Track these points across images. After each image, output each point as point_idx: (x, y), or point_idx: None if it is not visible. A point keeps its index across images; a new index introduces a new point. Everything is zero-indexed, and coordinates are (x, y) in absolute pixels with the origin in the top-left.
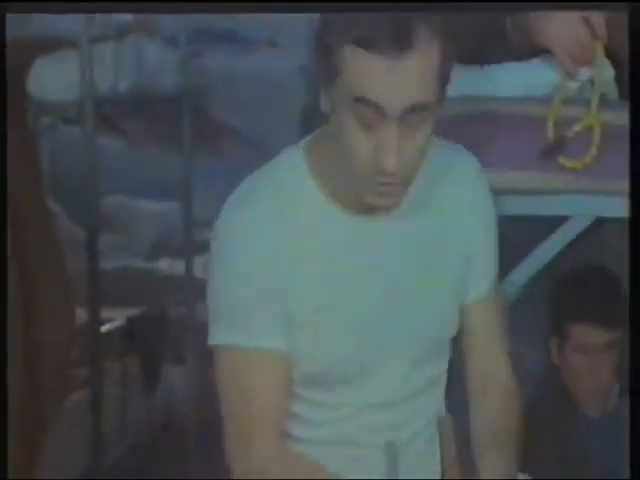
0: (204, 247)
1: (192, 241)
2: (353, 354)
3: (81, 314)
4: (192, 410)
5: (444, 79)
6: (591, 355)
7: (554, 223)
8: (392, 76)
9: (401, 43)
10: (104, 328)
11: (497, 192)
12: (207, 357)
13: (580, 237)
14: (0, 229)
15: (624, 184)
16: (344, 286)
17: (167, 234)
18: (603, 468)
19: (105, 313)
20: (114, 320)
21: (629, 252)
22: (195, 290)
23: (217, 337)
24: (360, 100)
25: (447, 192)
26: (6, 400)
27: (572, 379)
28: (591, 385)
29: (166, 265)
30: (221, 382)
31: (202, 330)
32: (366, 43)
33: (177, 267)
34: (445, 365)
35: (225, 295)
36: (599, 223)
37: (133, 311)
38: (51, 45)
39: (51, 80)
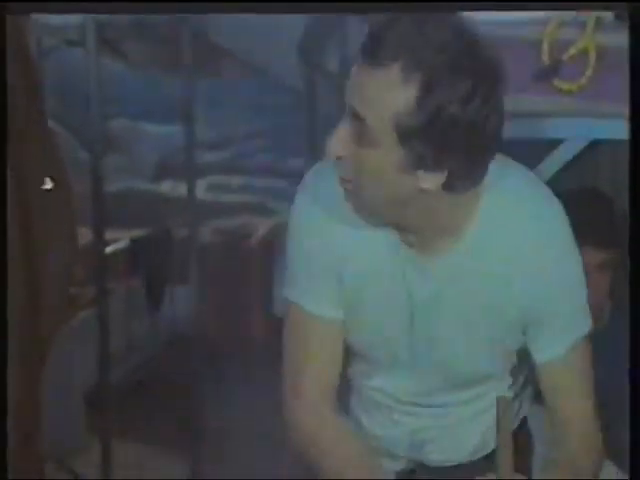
0: (206, 169)
1: (194, 163)
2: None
3: (86, 235)
4: (195, 329)
5: (406, 134)
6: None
7: (549, 146)
8: (358, 81)
9: (381, 59)
10: (109, 249)
11: None
12: (209, 278)
13: (575, 159)
14: (0, 229)
15: (619, 106)
16: (384, 303)
17: (170, 156)
18: (597, 385)
19: (109, 234)
20: (119, 241)
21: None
22: (197, 212)
23: (287, 292)
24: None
25: (508, 237)
26: (5, 398)
27: None
28: None
29: (169, 187)
30: (285, 331)
31: (204, 251)
32: (367, 45)
33: (180, 189)
34: (485, 390)
35: (296, 263)
36: (594, 145)
37: (137, 232)
38: None
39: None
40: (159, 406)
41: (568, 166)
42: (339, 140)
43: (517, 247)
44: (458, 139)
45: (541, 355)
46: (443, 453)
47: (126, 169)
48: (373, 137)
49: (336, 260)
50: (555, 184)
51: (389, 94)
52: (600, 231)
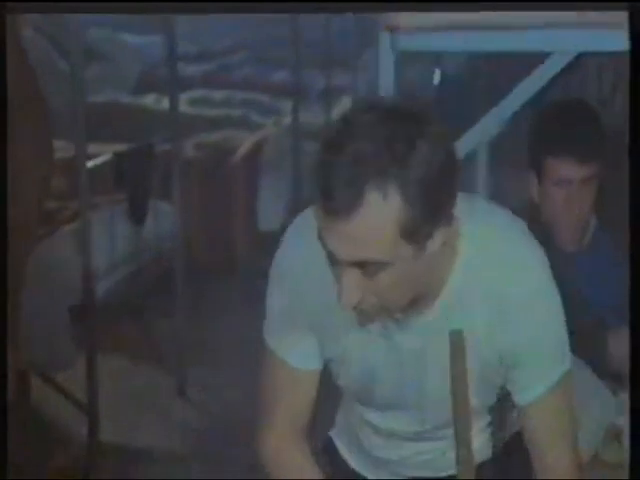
0: (189, 82)
1: (176, 76)
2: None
3: (68, 149)
4: (179, 245)
5: (412, 235)
6: (569, 189)
7: (537, 58)
8: (342, 231)
9: (349, 204)
10: (91, 163)
11: (481, 28)
12: (193, 193)
13: (562, 72)
14: (0, 229)
15: (605, 17)
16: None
17: (152, 69)
18: (583, 302)
19: (92, 149)
20: (101, 155)
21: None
22: (180, 125)
23: (266, 338)
24: (320, 239)
25: (487, 286)
26: (5, 402)
27: (550, 214)
28: (569, 219)
29: (151, 100)
30: (262, 371)
31: (187, 166)
32: (324, 199)
33: (163, 102)
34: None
35: (275, 312)
36: (581, 58)
37: (120, 147)
38: None
39: None
40: (143, 321)
41: (555, 79)
42: (351, 291)
43: (496, 294)
44: (442, 197)
45: (522, 397)
46: (434, 470)
47: (107, 81)
48: (383, 262)
49: (316, 314)
50: (542, 96)
51: (380, 221)
52: (585, 144)
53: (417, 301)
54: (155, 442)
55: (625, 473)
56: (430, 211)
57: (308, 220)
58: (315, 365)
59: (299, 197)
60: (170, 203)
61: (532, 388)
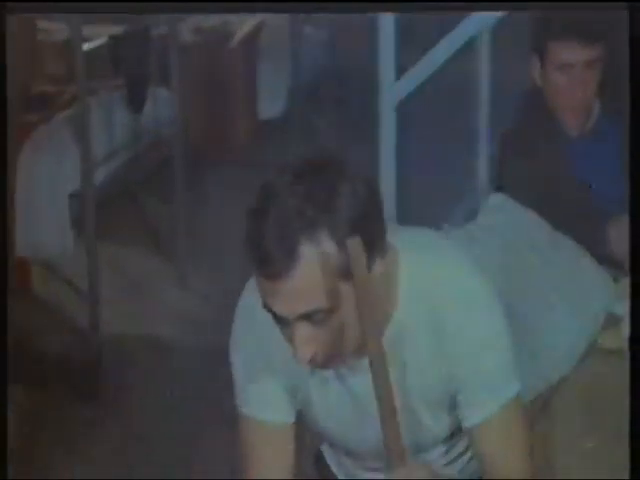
0: None
1: None
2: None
3: (62, 31)
4: (177, 130)
5: (350, 274)
6: (572, 73)
7: None
8: (284, 290)
9: (280, 266)
10: (87, 46)
11: None
12: (192, 79)
13: None
14: (0, 229)
15: None
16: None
17: None
18: (584, 188)
19: (87, 30)
20: (97, 38)
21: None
22: (176, 8)
23: (239, 405)
24: (264, 307)
25: (429, 311)
26: (6, 398)
27: (554, 98)
28: (572, 103)
29: None
30: (239, 438)
31: (185, 51)
32: (254, 266)
33: None
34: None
35: (240, 373)
36: None
37: (115, 29)
38: None
39: None
40: (142, 208)
41: None
42: (304, 346)
43: (435, 322)
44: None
45: (469, 420)
46: None
47: None
48: (328, 309)
49: (278, 367)
50: None
51: (319, 270)
52: (586, 26)
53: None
54: (155, 331)
55: (624, 360)
56: (364, 245)
57: (252, 292)
58: (287, 418)
59: (298, 84)
60: (169, 89)
61: (476, 411)
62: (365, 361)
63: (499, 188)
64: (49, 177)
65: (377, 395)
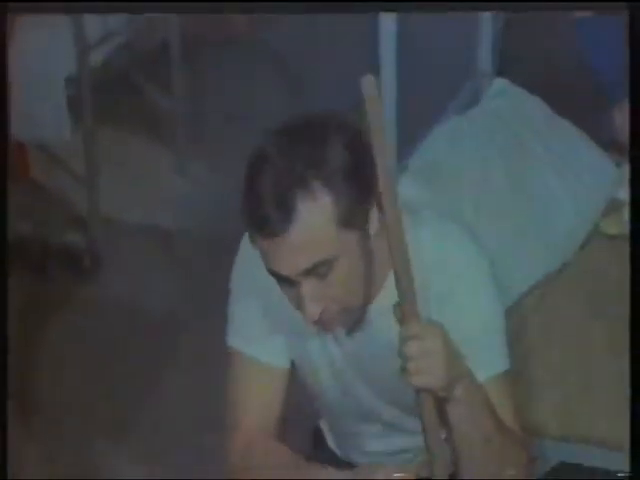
0: None
1: None
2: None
3: None
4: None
5: (350, 221)
6: None
7: None
8: (284, 247)
9: (279, 225)
10: None
11: None
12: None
13: None
14: (0, 229)
15: None
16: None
17: None
18: (587, 69)
19: None
20: None
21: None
22: None
23: (231, 341)
24: (268, 270)
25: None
26: (6, 395)
27: None
28: None
29: None
30: (228, 375)
31: None
32: (254, 230)
33: None
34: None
35: (238, 315)
36: None
37: None
38: None
39: None
40: (140, 94)
41: None
42: (312, 304)
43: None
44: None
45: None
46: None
47: None
48: (331, 259)
49: (280, 315)
50: None
51: (318, 222)
52: None
53: (369, 298)
54: (154, 219)
55: (625, 245)
56: (359, 193)
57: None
58: (283, 363)
59: None
60: None
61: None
62: (366, 319)
63: (501, 73)
64: (44, 60)
65: (392, 255)
